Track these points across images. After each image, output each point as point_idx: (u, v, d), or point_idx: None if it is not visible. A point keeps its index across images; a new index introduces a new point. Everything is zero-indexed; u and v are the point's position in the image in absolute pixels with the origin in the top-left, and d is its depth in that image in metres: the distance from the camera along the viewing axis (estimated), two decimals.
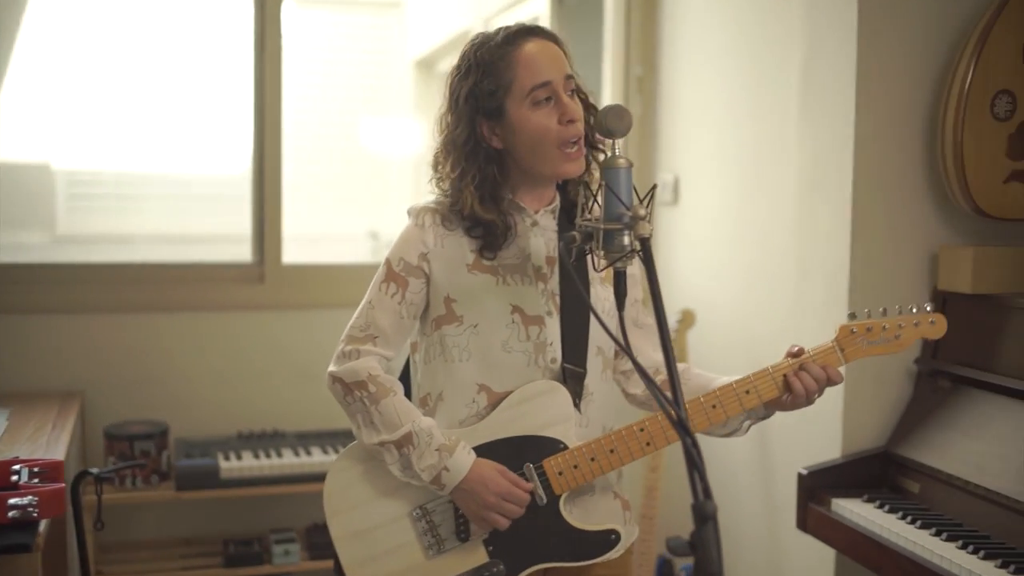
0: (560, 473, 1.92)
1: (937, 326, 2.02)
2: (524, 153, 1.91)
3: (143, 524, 3.46)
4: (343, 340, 1.98)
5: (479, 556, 1.95)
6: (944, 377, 2.67)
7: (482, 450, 1.93)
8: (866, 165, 2.69)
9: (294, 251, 3.71)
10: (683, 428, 1.47)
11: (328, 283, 3.68)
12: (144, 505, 3.37)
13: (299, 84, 3.61)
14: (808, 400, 1.97)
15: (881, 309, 2.01)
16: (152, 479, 3.17)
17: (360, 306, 2.00)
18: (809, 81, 2.88)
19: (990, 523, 2.35)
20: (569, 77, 1.93)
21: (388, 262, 1.98)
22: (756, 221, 3.19)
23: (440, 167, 1.99)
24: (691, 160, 3.58)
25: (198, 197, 5.01)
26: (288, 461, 3.27)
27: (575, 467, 1.92)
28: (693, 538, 1.38)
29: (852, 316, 1.99)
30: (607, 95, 3.88)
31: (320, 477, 3.24)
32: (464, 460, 1.89)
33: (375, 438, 1.91)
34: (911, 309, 2.02)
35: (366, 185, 6.77)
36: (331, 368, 1.97)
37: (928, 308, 2.02)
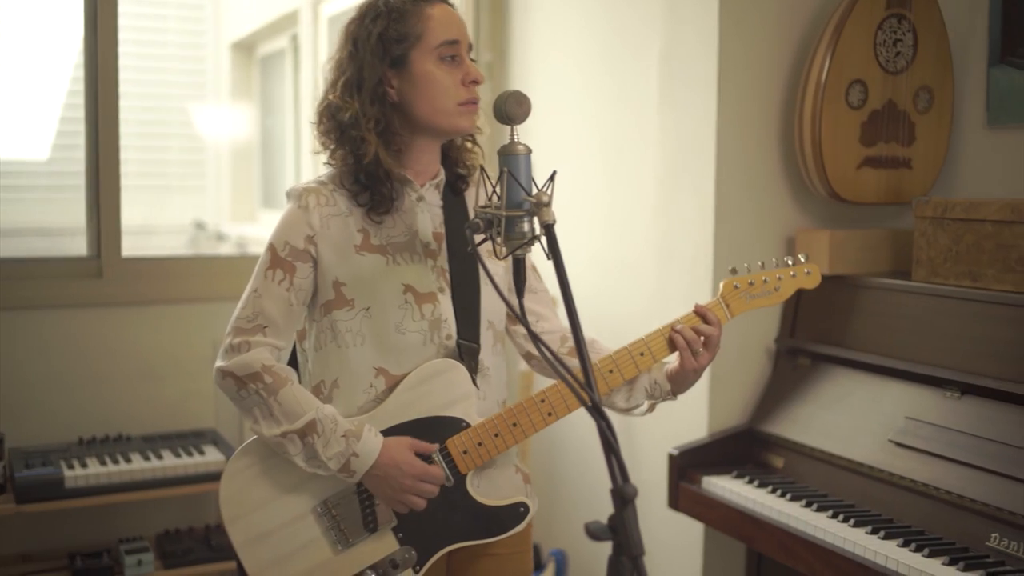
0: (465, 452, 1.90)
1: (812, 276, 2.08)
2: (422, 106, 1.88)
3: None
4: (230, 332, 1.89)
5: (389, 544, 1.91)
6: (802, 354, 2.79)
7: (385, 435, 1.88)
8: (727, 152, 2.77)
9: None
10: (598, 413, 1.47)
11: (172, 277, 3.51)
12: None
13: None
14: (695, 357, 1.95)
15: (759, 263, 2.05)
16: None
17: (244, 295, 1.91)
18: (670, 68, 2.94)
19: (853, 492, 2.47)
20: (470, 46, 1.94)
21: (272, 247, 1.90)
22: (617, 207, 3.24)
23: (337, 115, 1.88)
24: (547, 146, 3.59)
25: None
26: (137, 466, 3.09)
27: (479, 444, 1.90)
28: (613, 521, 1.40)
29: (733, 271, 2.03)
30: None
31: (171, 481, 3.15)
32: (373, 444, 1.85)
33: (276, 429, 1.84)
34: (787, 261, 2.07)
35: (186, 173, 6.52)
36: (219, 363, 1.88)
37: (802, 259, 2.07)
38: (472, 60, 1.94)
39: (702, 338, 1.96)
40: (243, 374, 1.85)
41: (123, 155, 3.41)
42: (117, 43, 3.35)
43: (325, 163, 1.96)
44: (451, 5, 1.94)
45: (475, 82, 1.90)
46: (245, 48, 6.46)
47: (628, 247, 3.18)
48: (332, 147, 1.92)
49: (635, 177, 3.13)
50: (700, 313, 1.97)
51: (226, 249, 6.10)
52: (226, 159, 6.41)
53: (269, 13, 5.91)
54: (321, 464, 1.84)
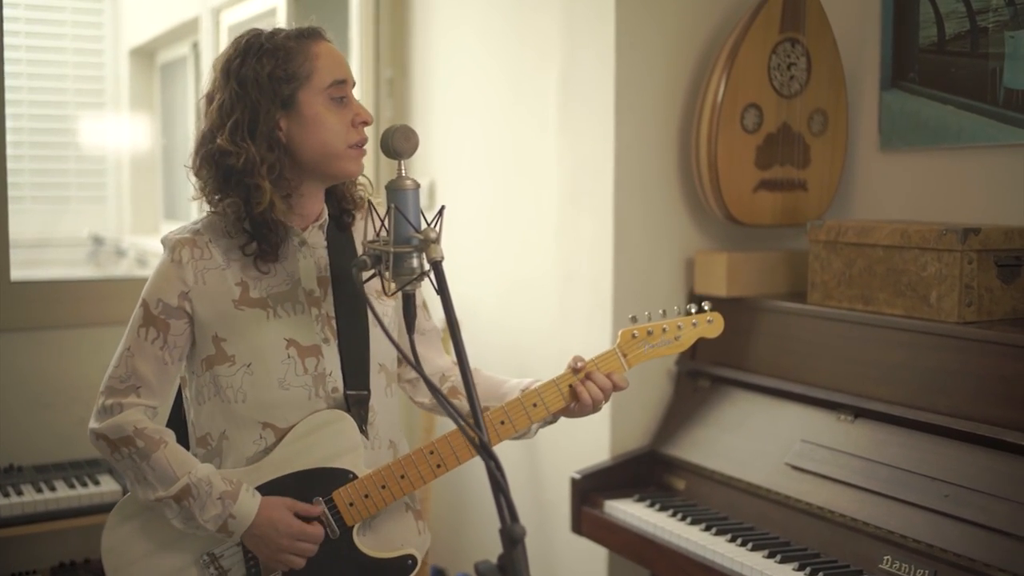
0: (351, 504, 1.86)
1: (715, 324, 2.06)
2: (312, 149, 1.82)
3: None
4: (103, 393, 1.84)
5: None
6: (703, 377, 2.80)
7: (269, 487, 1.84)
8: (626, 174, 2.78)
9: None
10: (487, 452, 1.46)
11: (63, 301, 3.39)
12: None
13: None
14: (595, 407, 1.96)
15: (660, 311, 2.02)
16: None
17: (117, 353, 1.85)
18: (568, 90, 2.94)
19: (752, 514, 2.49)
20: (354, 85, 1.90)
21: (145, 304, 1.84)
22: (518, 227, 3.22)
23: (226, 160, 1.79)
24: (448, 165, 3.56)
25: None
26: (28, 499, 2.98)
27: (366, 496, 1.87)
28: (502, 561, 1.39)
29: (633, 320, 2.00)
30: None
31: (66, 513, 3.04)
32: (250, 504, 1.80)
33: (151, 495, 1.80)
34: (689, 309, 2.04)
35: (85, 184, 6.33)
36: (92, 425, 1.84)
37: (706, 307, 2.06)
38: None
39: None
40: (115, 437, 1.80)
41: (16, 165, 3.28)
42: (2, 48, 3.22)
43: (210, 212, 1.88)
44: (331, 43, 1.88)
45: (364, 123, 1.86)
46: (145, 55, 6.29)
47: (530, 267, 3.17)
48: (218, 196, 1.83)
49: (537, 197, 3.11)
50: (591, 374, 1.94)
51: (126, 264, 5.94)
52: (126, 169, 6.24)
53: (169, 19, 5.75)
54: (199, 527, 1.80)
